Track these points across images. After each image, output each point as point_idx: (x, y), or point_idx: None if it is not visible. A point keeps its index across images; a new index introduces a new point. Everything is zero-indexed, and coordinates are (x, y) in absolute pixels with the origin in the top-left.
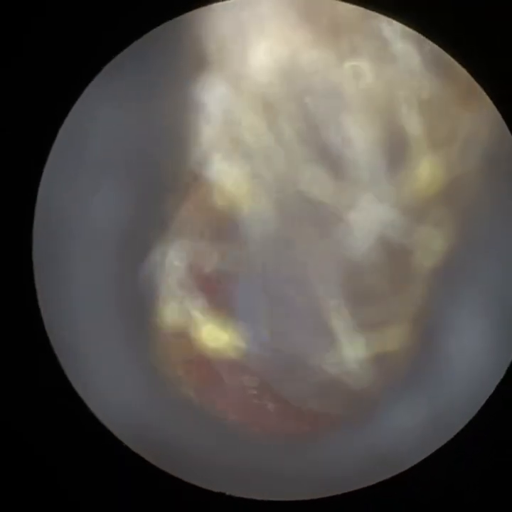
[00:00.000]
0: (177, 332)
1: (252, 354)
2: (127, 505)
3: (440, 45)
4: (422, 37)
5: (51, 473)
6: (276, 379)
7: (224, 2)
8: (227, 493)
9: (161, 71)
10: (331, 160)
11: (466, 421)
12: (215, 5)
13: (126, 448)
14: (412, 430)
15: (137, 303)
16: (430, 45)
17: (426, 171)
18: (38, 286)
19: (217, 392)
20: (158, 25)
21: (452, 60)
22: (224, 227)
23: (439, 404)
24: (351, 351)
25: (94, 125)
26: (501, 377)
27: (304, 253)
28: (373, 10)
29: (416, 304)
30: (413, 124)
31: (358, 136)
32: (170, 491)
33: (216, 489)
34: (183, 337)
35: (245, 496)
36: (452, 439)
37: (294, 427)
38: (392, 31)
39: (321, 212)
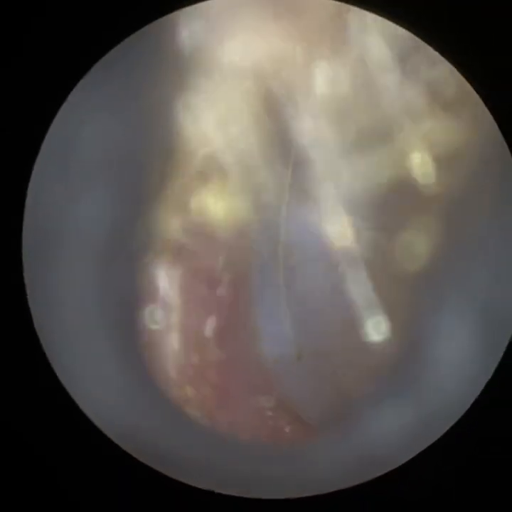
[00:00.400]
0: (171, 340)
1: (274, 373)
2: (117, 500)
3: (427, 42)
4: (406, 36)
5: (44, 472)
6: (299, 398)
7: (201, 3)
8: (216, 490)
9: (144, 74)
10: (304, 161)
11: (452, 423)
12: (193, 6)
13: (116, 446)
14: (400, 431)
15: (125, 305)
16: (413, 44)
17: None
18: (28, 290)
19: (228, 414)
20: (140, 28)
21: (441, 58)
22: (210, 231)
23: (425, 406)
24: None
25: (80, 129)
26: (487, 380)
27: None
28: (362, 8)
29: (401, 308)
30: (395, 125)
31: (331, 136)
32: (160, 488)
33: (205, 487)
34: (180, 345)
35: (235, 494)
36: (438, 440)
37: (296, 436)
38: (370, 29)
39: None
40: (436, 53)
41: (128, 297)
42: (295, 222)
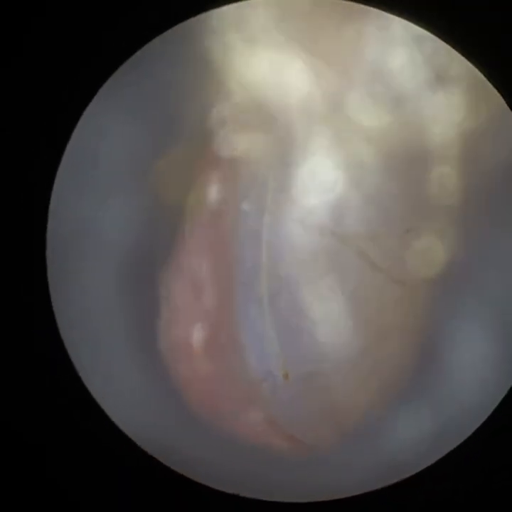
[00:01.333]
0: (180, 349)
1: (261, 392)
2: (144, 507)
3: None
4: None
5: (65, 471)
6: (289, 417)
7: (231, 5)
8: (241, 494)
9: (167, 80)
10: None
11: (474, 429)
12: (222, 8)
13: (144, 452)
14: (417, 440)
15: (145, 315)
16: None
17: (435, 180)
18: (52, 298)
19: (222, 425)
20: (163, 32)
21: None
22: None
23: (444, 413)
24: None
25: (102, 138)
26: (508, 388)
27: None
28: (385, 10)
29: (417, 316)
30: (419, 135)
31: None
32: (184, 492)
33: (230, 491)
34: (186, 356)
35: (260, 498)
36: (456, 448)
37: (291, 452)
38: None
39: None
40: (457, 54)
41: (147, 303)
42: (280, 231)
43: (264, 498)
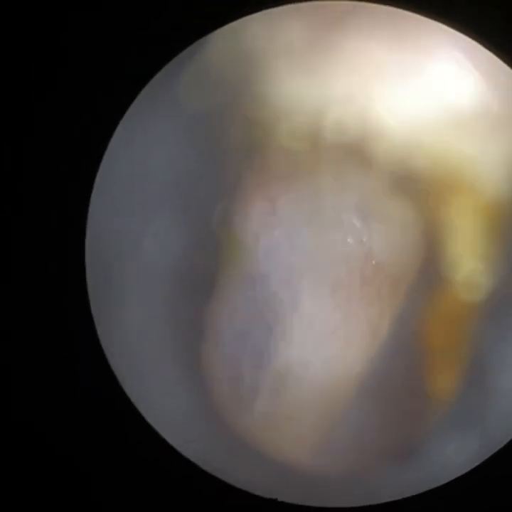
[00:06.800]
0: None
1: None
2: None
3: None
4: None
5: (109, 487)
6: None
7: (290, 6)
8: (279, 499)
9: (215, 85)
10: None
11: None
12: (279, 8)
13: (176, 451)
14: (462, 466)
15: (192, 336)
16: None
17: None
18: (96, 323)
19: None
20: (212, 31)
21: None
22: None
23: (490, 439)
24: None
25: (144, 149)
26: None
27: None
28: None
29: (464, 340)
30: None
31: None
32: (221, 496)
33: (268, 495)
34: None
35: (298, 503)
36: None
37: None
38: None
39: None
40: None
41: (196, 328)
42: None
43: (305, 504)
